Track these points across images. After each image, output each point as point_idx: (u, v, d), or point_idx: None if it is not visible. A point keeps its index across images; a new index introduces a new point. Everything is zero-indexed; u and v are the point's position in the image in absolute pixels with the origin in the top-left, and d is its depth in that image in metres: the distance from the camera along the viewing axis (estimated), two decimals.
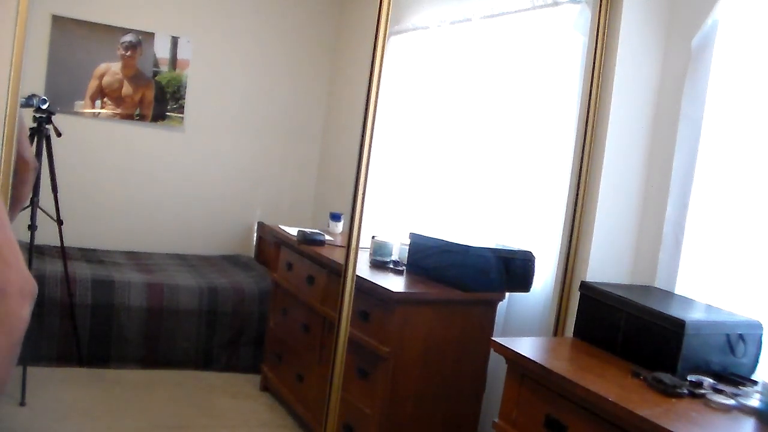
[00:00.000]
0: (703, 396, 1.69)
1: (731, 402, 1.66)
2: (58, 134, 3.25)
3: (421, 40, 3.68)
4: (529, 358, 1.89)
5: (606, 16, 2.44)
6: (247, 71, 4.75)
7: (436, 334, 2.57)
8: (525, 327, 2.76)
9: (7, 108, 1.88)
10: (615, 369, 1.88)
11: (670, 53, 2.44)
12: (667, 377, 1.72)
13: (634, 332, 1.98)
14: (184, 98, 4.57)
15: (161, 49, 4.47)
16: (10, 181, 1.94)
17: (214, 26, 4.61)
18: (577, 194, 2.49)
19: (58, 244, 3.45)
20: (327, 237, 3.32)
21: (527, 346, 2.05)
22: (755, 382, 1.86)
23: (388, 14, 2.07)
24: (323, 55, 4.96)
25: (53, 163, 3.30)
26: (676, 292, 2.27)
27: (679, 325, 1.83)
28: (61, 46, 4.18)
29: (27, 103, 3.09)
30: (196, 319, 3.77)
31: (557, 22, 2.76)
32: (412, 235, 2.87)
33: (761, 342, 1.98)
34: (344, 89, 4.78)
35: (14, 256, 1.07)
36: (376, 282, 2.57)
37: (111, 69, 4.35)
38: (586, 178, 2.48)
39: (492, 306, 2.71)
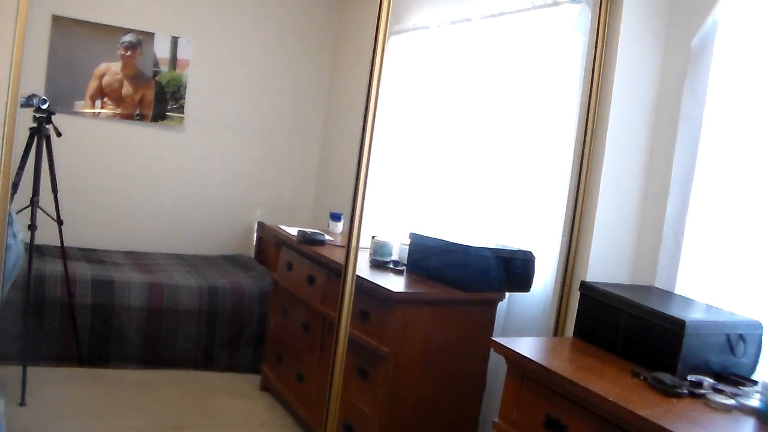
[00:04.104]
0: (703, 396, 1.69)
1: (731, 402, 1.66)
2: (58, 134, 3.25)
3: (421, 40, 3.68)
4: (529, 358, 1.89)
5: (606, 16, 2.44)
6: (247, 71, 4.75)
7: (436, 334, 2.57)
8: (525, 327, 2.76)
9: (7, 108, 1.88)
10: (615, 369, 1.88)
11: (670, 53, 2.44)
12: (667, 377, 1.72)
13: (634, 332, 1.98)
14: (184, 98, 4.57)
15: (161, 49, 4.47)
16: (11, 181, 1.94)
17: (214, 26, 4.61)
18: (577, 194, 2.49)
19: (58, 244, 3.45)
20: (327, 237, 3.32)
21: (527, 346, 2.05)
22: (755, 382, 1.86)
23: (388, 14, 2.07)
24: (323, 55, 4.97)
25: (53, 163, 3.30)
26: (676, 292, 2.27)
27: (679, 325, 1.83)
28: (61, 46, 4.18)
29: (27, 103, 3.09)
30: (196, 319, 3.77)
31: (557, 22, 2.76)
32: (412, 235, 2.87)
33: (761, 342, 1.98)
34: (344, 89, 4.78)
35: None
36: (376, 282, 2.57)
37: (111, 69, 4.35)
38: (586, 178, 2.48)
39: (492, 306, 2.71)
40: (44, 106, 3.17)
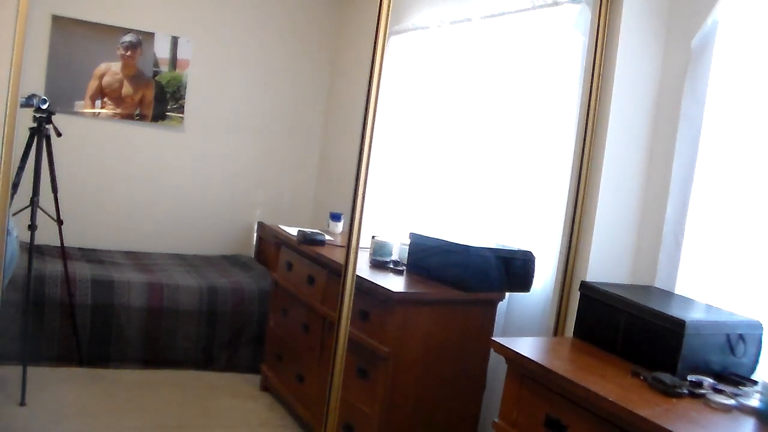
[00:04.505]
0: (703, 396, 1.69)
1: (731, 402, 1.66)
2: (58, 134, 3.25)
3: (421, 40, 3.68)
4: (529, 358, 1.89)
5: (606, 16, 2.44)
6: (247, 71, 4.75)
7: (436, 334, 2.57)
8: (525, 327, 2.76)
9: (7, 108, 1.88)
10: (615, 369, 1.88)
11: (670, 53, 2.44)
12: (667, 377, 1.72)
13: (634, 332, 1.98)
14: (184, 98, 4.56)
15: (161, 49, 4.47)
16: (11, 180, 1.94)
17: (214, 26, 4.61)
18: (577, 194, 2.49)
19: (58, 244, 3.45)
20: (327, 237, 3.32)
21: (527, 346, 2.05)
22: (755, 382, 1.86)
23: (388, 14, 2.07)
24: (323, 55, 4.96)
25: (53, 163, 3.30)
26: (676, 292, 2.27)
27: (679, 325, 1.83)
28: (61, 46, 4.18)
29: (27, 103, 3.09)
30: (196, 319, 3.77)
31: (557, 22, 2.76)
32: (412, 235, 2.87)
33: (761, 342, 1.98)
34: (344, 89, 4.78)
35: None
36: (376, 282, 2.57)
37: (111, 69, 4.35)
38: (586, 178, 2.48)
39: (492, 306, 2.71)
40: (44, 106, 3.17)
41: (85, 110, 4.32)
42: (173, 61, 4.51)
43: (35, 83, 4.06)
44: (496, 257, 2.60)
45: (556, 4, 2.76)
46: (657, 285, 2.35)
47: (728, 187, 2.19)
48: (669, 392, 1.67)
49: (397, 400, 2.52)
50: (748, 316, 2.01)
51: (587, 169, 2.47)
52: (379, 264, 2.93)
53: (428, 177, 3.48)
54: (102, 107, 4.36)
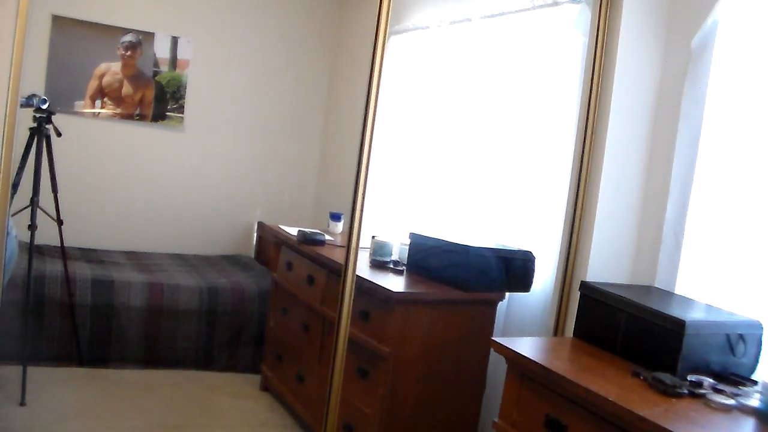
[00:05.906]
0: (703, 396, 1.69)
1: (731, 402, 1.66)
2: (58, 134, 3.25)
3: (421, 40, 3.68)
4: (529, 358, 1.89)
5: (606, 16, 2.44)
6: (247, 71, 4.76)
7: (436, 334, 2.57)
8: (525, 327, 2.76)
9: (7, 108, 1.88)
10: (615, 369, 1.88)
11: (670, 53, 2.44)
12: (667, 377, 1.72)
13: (634, 332, 1.98)
14: (184, 98, 4.57)
15: (161, 49, 4.47)
16: (11, 180, 1.94)
17: (214, 26, 4.61)
18: (577, 194, 2.49)
19: (58, 244, 3.45)
20: (327, 237, 3.32)
21: (527, 346, 2.05)
22: (755, 382, 1.86)
23: (388, 14, 2.07)
24: (323, 54, 4.97)
25: (53, 163, 3.30)
26: (676, 292, 2.27)
27: (679, 325, 1.84)
28: (61, 46, 4.18)
29: (27, 103, 3.09)
30: (196, 319, 3.77)
31: (557, 22, 2.76)
32: (412, 235, 2.87)
33: (761, 342, 1.98)
34: (344, 89, 4.78)
35: None
36: (376, 282, 2.57)
37: (111, 69, 4.35)
38: (586, 178, 2.48)
39: (492, 306, 2.71)
40: (44, 106, 3.17)
41: (85, 110, 4.32)
42: (173, 61, 4.51)
43: (35, 83, 4.06)
44: (496, 257, 2.60)
45: (556, 4, 2.76)
46: (657, 285, 2.35)
47: (728, 187, 2.19)
48: (669, 392, 1.68)
49: (397, 400, 2.52)
50: (748, 316, 2.01)
51: (587, 169, 2.47)
52: (379, 264, 2.93)
53: (428, 177, 3.48)
54: (102, 107, 4.36)
